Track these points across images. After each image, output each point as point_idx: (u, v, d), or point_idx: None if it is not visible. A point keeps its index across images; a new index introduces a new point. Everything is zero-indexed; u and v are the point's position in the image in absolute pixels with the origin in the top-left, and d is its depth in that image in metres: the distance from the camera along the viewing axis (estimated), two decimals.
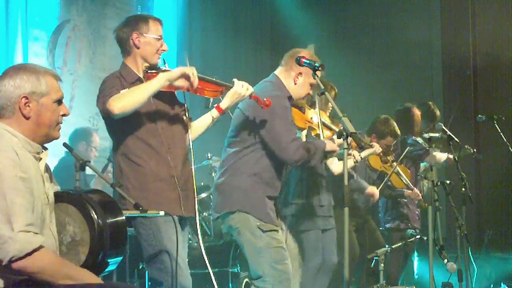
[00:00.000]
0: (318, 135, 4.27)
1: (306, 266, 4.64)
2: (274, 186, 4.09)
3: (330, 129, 4.50)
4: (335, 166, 5.02)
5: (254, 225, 3.95)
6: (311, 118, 4.42)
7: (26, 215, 2.48)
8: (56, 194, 2.80)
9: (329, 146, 4.08)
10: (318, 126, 4.19)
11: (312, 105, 4.58)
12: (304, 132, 4.53)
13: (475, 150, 6.59)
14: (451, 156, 5.93)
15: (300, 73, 4.10)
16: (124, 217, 2.86)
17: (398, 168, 5.67)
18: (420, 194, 5.96)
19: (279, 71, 4.20)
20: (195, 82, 3.49)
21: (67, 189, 2.89)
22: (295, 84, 4.14)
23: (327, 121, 4.57)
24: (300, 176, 4.77)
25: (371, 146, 5.29)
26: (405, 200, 6.13)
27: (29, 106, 2.63)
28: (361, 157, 5.23)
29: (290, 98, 4.13)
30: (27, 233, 2.45)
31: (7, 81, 2.63)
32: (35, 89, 2.64)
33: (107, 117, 3.44)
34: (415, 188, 5.89)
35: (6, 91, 2.62)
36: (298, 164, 4.03)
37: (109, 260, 2.79)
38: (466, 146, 6.23)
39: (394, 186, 5.92)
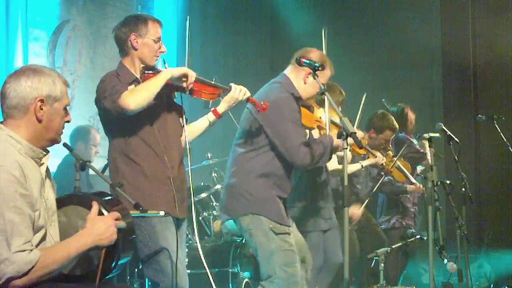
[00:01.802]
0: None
1: None
2: (284, 187, 4.11)
3: (339, 127, 4.47)
4: (331, 163, 4.96)
5: (267, 227, 3.97)
6: (320, 117, 4.40)
7: (24, 232, 2.47)
8: (66, 198, 2.80)
9: (336, 142, 4.08)
10: (327, 125, 4.16)
11: (320, 104, 4.55)
12: (313, 132, 4.51)
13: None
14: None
15: (310, 73, 4.06)
16: (132, 219, 2.87)
17: (398, 163, 5.68)
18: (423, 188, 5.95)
19: (289, 71, 4.17)
20: (190, 85, 3.52)
21: (76, 192, 2.88)
22: (305, 83, 4.12)
23: (337, 119, 4.54)
24: (300, 178, 4.77)
25: (374, 156, 5.29)
26: (406, 196, 6.14)
27: (42, 109, 2.62)
28: (362, 166, 5.25)
29: (299, 99, 4.10)
30: (23, 252, 2.45)
31: (24, 80, 2.60)
32: (51, 93, 2.63)
33: (119, 113, 3.39)
34: (417, 183, 5.88)
35: (22, 91, 2.59)
36: (309, 167, 4.03)
37: (120, 263, 2.79)
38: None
39: (396, 180, 5.93)
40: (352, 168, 5.28)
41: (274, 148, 4.00)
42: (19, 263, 2.44)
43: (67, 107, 2.75)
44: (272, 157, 4.02)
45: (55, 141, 2.73)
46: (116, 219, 2.68)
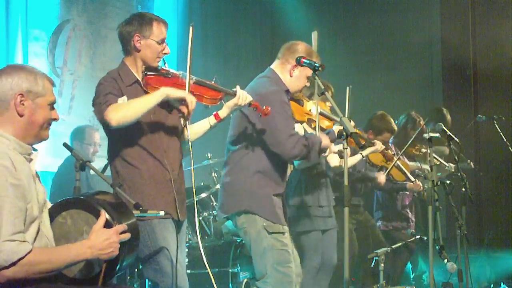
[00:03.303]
0: (318, 128, 4.23)
1: (306, 266, 4.64)
2: (279, 183, 4.10)
3: (330, 119, 4.47)
4: (334, 160, 4.96)
5: (260, 225, 3.97)
6: (310, 110, 4.39)
7: (14, 222, 2.47)
8: (75, 201, 2.79)
9: (325, 141, 4.08)
10: (317, 118, 4.14)
11: (310, 97, 4.54)
12: (304, 126, 4.51)
13: (476, 167, 6.65)
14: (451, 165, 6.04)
15: (296, 65, 4.08)
16: (135, 219, 2.86)
17: (398, 162, 5.69)
18: (422, 185, 5.96)
19: (275, 65, 4.20)
20: (190, 112, 3.46)
21: (78, 195, 2.88)
22: (291, 76, 4.13)
23: (327, 111, 4.54)
24: (299, 177, 4.77)
25: (373, 144, 5.29)
26: (395, 198, 6.18)
27: (23, 104, 2.64)
28: (363, 156, 5.25)
29: (287, 92, 4.12)
30: (12, 242, 2.45)
31: (5, 77, 2.65)
32: (32, 88, 2.66)
33: (103, 125, 3.44)
34: (416, 180, 5.89)
35: (2, 87, 2.64)
36: (296, 159, 4.00)
37: (124, 264, 2.79)
38: (469, 160, 6.32)
39: (395, 179, 5.94)
40: (353, 160, 5.29)
41: (265, 142, 4.00)
42: (7, 252, 2.43)
43: (54, 105, 2.76)
44: (265, 152, 4.02)
45: (41, 136, 2.73)
46: (122, 232, 2.68)
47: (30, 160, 2.71)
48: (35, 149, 2.75)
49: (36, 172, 2.79)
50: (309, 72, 4.00)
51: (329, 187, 4.86)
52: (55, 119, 2.76)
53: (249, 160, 4.03)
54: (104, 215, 2.67)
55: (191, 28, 3.56)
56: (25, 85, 2.65)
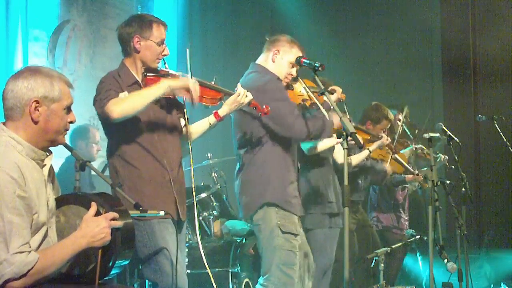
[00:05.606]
0: (314, 104, 4.20)
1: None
2: (291, 169, 4.13)
3: (316, 92, 4.42)
4: (340, 155, 4.96)
5: (275, 223, 4.00)
6: (300, 91, 4.39)
7: (22, 234, 2.48)
8: (65, 197, 2.80)
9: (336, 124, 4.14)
10: (309, 95, 4.13)
11: (294, 80, 4.53)
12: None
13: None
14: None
15: (277, 51, 4.15)
16: (131, 220, 2.86)
17: (395, 154, 5.69)
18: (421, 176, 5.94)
19: (258, 60, 4.26)
20: (196, 98, 3.48)
21: (75, 192, 2.88)
22: (273, 62, 4.17)
23: (313, 87, 4.50)
24: (306, 174, 4.75)
25: (379, 138, 5.30)
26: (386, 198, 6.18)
27: (38, 110, 2.61)
28: (370, 151, 5.25)
29: (279, 79, 4.15)
30: (21, 254, 2.46)
31: (21, 81, 2.61)
32: (48, 94, 2.62)
33: (105, 119, 3.43)
34: (415, 172, 5.88)
35: (18, 92, 2.60)
36: (310, 137, 4.08)
37: (117, 263, 2.78)
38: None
39: (394, 171, 5.93)
40: (361, 156, 5.29)
41: (272, 132, 4.02)
42: (18, 264, 2.44)
43: (71, 107, 2.73)
44: (273, 146, 4.06)
45: (56, 141, 2.72)
46: (112, 219, 2.67)
47: (43, 165, 2.69)
48: (49, 152, 2.73)
49: (52, 172, 2.78)
50: (292, 58, 4.09)
51: (336, 185, 4.85)
52: (71, 122, 2.74)
53: (257, 158, 4.06)
54: (95, 205, 2.66)
55: (188, 51, 3.57)
56: (40, 91, 2.61)
